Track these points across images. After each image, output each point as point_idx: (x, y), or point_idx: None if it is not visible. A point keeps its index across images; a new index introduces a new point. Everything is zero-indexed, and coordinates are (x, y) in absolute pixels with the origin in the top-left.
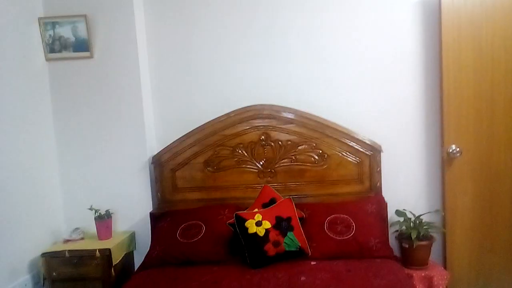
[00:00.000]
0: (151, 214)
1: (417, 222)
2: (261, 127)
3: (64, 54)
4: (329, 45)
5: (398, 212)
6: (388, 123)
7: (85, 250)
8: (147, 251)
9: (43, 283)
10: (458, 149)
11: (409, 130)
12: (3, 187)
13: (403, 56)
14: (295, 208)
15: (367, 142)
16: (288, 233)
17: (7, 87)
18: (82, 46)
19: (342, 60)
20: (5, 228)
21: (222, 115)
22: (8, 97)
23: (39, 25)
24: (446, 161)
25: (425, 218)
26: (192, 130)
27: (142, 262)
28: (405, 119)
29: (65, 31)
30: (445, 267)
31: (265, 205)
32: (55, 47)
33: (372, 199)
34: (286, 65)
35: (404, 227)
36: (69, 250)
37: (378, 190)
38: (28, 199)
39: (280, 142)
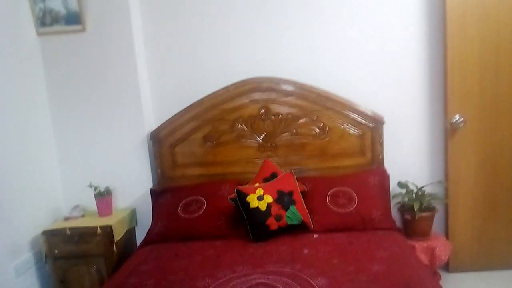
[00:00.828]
0: (151, 190)
1: (420, 193)
2: (261, 100)
3: (56, 27)
4: (330, 13)
5: (400, 184)
6: (391, 93)
7: (86, 227)
8: (149, 227)
9: (45, 261)
10: (462, 119)
11: (412, 100)
12: (1, 167)
13: (406, 25)
14: (296, 182)
15: (369, 113)
16: (290, 207)
17: None
18: (74, 19)
19: (343, 30)
20: (5, 207)
21: (221, 89)
22: (1, 75)
23: None
24: (449, 131)
25: (427, 189)
26: (190, 105)
27: (144, 238)
28: (408, 89)
29: (55, 4)
30: (447, 238)
31: (266, 180)
32: (46, 20)
33: (374, 171)
34: (285, 35)
35: (406, 199)
36: (70, 228)
37: (380, 162)
38: (26, 178)
39: (280, 115)
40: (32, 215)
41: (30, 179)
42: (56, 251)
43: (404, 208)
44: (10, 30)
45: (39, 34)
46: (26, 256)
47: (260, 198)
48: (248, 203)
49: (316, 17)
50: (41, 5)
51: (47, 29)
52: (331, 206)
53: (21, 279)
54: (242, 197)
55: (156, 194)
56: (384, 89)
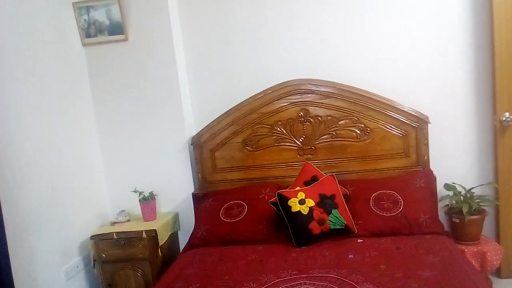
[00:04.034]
0: (193, 194)
1: (468, 195)
2: (300, 102)
3: (100, 38)
4: (369, 13)
5: (448, 186)
6: (435, 92)
7: (132, 231)
8: (191, 231)
9: (94, 265)
10: (511, 117)
11: (458, 98)
12: (52, 176)
13: (451, 20)
14: (338, 185)
15: (413, 113)
16: (333, 211)
17: (47, 74)
18: (117, 29)
19: (384, 27)
20: (56, 213)
21: (259, 93)
22: (49, 85)
23: (74, 10)
24: (498, 130)
25: (476, 191)
26: (230, 109)
27: (188, 242)
28: (453, 87)
29: (99, 15)
30: (498, 242)
31: (307, 183)
32: (91, 31)
33: (419, 173)
34: (324, 36)
35: (454, 201)
36: (116, 232)
37: (426, 163)
38: (75, 185)
39: (319, 118)
40: (80, 221)
41: (78, 186)
42: (103, 255)
43: (452, 211)
44: (58, 41)
45: (84, 44)
46: (76, 260)
47: (301, 202)
48: (290, 207)
49: (355, 16)
50: (85, 16)
51: (92, 39)
52: (375, 210)
53: (71, 282)
54: (283, 201)
55: (198, 199)
56: (428, 87)
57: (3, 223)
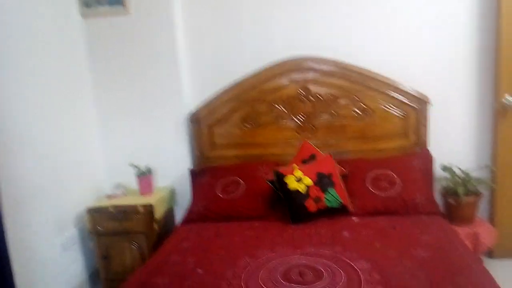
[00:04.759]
0: (190, 170)
1: (465, 177)
2: (300, 80)
3: (99, 9)
4: None
5: (444, 168)
6: (437, 73)
7: (128, 205)
8: (187, 206)
9: (89, 237)
10: None
11: (460, 80)
12: (49, 148)
13: (455, 1)
14: (336, 164)
15: (414, 94)
16: (329, 189)
17: (47, 47)
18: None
19: (389, 6)
20: (52, 185)
21: (260, 69)
22: (48, 57)
23: None
24: (499, 113)
25: (473, 174)
26: (229, 86)
27: (184, 216)
28: (454, 69)
29: None
30: (492, 224)
31: (304, 161)
32: (90, 1)
33: (418, 154)
34: (325, 13)
35: (450, 183)
36: (112, 205)
37: (424, 145)
38: (71, 157)
39: (320, 96)
40: (76, 193)
41: (74, 158)
42: (99, 227)
43: (448, 192)
44: (56, 12)
45: (84, 15)
46: (71, 232)
47: (298, 179)
48: (287, 184)
49: None
50: None
51: (91, 10)
52: (372, 190)
53: (67, 254)
54: (280, 178)
55: (195, 174)
56: (429, 68)
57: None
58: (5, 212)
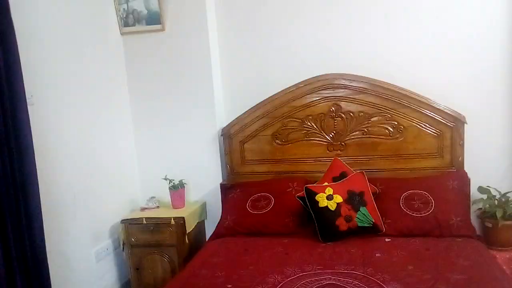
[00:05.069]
0: (221, 185)
1: (503, 199)
2: (331, 97)
3: (138, 27)
4: (406, 7)
5: (481, 189)
6: (473, 92)
7: (161, 218)
8: (217, 221)
9: (123, 248)
10: None
11: (496, 99)
12: (87, 161)
13: (492, 18)
14: (367, 183)
15: (449, 112)
16: (361, 208)
17: (85, 60)
18: (154, 19)
19: (421, 24)
20: (89, 196)
21: (291, 86)
22: (87, 73)
23: None
24: None
25: (511, 196)
26: (261, 102)
27: (214, 231)
28: (491, 87)
29: (138, 5)
30: None
31: (335, 179)
32: (129, 20)
33: (453, 174)
34: (358, 30)
35: (487, 205)
36: (146, 218)
37: (460, 165)
38: (108, 170)
39: (351, 114)
40: (112, 205)
41: (111, 172)
42: (132, 239)
43: (485, 215)
44: (97, 30)
45: (122, 33)
46: (106, 243)
47: (329, 197)
48: (317, 202)
49: (394, 12)
50: (124, 6)
51: (130, 28)
52: (405, 210)
53: (101, 264)
54: (311, 195)
55: (225, 189)
56: (465, 86)
57: (40, 204)
58: (45, 220)
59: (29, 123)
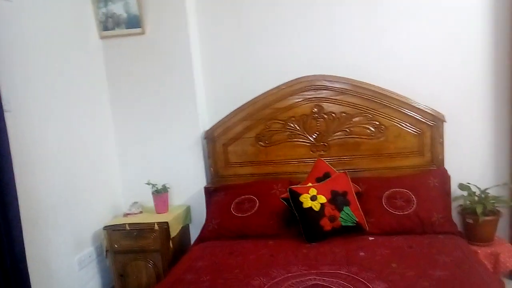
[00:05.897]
0: (205, 188)
1: (483, 196)
2: (314, 99)
3: (117, 31)
4: (386, 7)
5: (462, 186)
6: (452, 90)
7: (144, 223)
8: (202, 224)
9: (106, 255)
10: None
11: (475, 97)
12: (68, 167)
13: (470, 18)
14: (350, 182)
15: (429, 111)
16: (344, 208)
17: (65, 65)
18: (134, 22)
19: (401, 24)
20: (70, 203)
21: (273, 88)
22: (67, 77)
23: (92, 2)
24: None
25: (491, 192)
26: (243, 104)
27: (199, 235)
28: (471, 86)
29: (117, 8)
30: None
31: (319, 179)
32: (108, 24)
33: (434, 172)
34: (338, 32)
35: (468, 202)
36: (129, 223)
37: (441, 162)
38: (89, 176)
39: (333, 114)
40: (94, 211)
41: (93, 177)
42: (116, 245)
43: (466, 212)
44: (76, 34)
45: (102, 37)
46: (89, 250)
47: (313, 198)
48: (301, 203)
49: (372, 12)
50: (104, 9)
51: (110, 32)
52: (388, 208)
53: (84, 272)
54: (295, 196)
55: (209, 192)
56: (445, 85)
57: (19, 212)
58: (25, 229)
59: (6, 129)
